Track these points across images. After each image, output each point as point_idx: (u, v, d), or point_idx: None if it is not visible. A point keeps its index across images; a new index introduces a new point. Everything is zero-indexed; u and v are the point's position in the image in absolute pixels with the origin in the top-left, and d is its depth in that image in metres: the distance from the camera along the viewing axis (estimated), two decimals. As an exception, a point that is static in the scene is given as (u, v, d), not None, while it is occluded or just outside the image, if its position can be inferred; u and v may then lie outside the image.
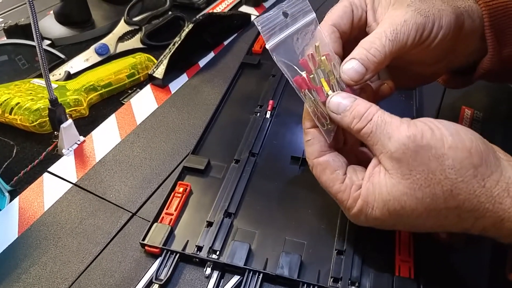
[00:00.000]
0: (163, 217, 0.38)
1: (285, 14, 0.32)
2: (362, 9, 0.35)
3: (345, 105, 0.31)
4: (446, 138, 0.28)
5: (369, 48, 0.31)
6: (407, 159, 0.28)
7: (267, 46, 0.32)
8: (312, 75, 0.32)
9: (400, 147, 0.28)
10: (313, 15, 0.33)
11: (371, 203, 0.30)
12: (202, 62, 0.59)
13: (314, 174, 0.33)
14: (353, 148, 0.36)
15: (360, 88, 0.34)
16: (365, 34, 0.34)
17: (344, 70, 0.32)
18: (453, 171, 0.27)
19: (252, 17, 0.68)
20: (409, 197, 0.28)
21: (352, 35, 0.35)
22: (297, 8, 0.33)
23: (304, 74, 0.32)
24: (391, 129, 0.29)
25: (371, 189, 0.30)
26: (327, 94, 0.32)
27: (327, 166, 0.32)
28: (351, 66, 0.31)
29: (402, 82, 0.39)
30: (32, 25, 0.37)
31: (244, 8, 0.72)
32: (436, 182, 0.27)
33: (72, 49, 0.62)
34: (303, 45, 0.33)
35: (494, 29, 0.36)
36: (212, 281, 0.34)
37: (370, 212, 0.30)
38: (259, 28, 0.31)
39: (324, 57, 0.32)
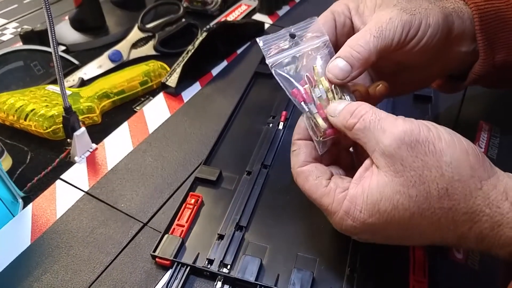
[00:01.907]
0: (174, 228, 0.38)
1: (292, 35, 0.33)
2: (345, 15, 0.35)
3: (340, 106, 0.31)
4: (444, 135, 0.27)
5: (354, 46, 0.32)
6: (401, 154, 0.27)
7: (267, 61, 0.33)
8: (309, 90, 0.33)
9: (395, 141, 0.27)
10: (325, 37, 0.34)
11: (359, 205, 0.28)
12: (215, 71, 0.59)
13: (299, 184, 0.33)
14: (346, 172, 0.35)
15: (354, 90, 0.34)
16: None
17: (329, 68, 0.32)
18: (450, 169, 0.26)
19: (266, 26, 0.68)
20: (402, 196, 0.27)
21: (342, 43, 0.35)
22: (310, 29, 0.34)
23: (301, 88, 0.33)
24: (386, 124, 0.28)
25: (360, 191, 0.29)
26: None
27: (310, 173, 0.32)
28: (336, 64, 0.32)
29: (397, 87, 0.39)
30: (49, 32, 0.37)
31: (258, 16, 0.72)
32: (431, 180, 0.26)
33: (86, 55, 0.63)
34: (310, 65, 0.33)
35: (486, 33, 0.36)
36: (223, 295, 0.34)
37: (358, 215, 0.29)
38: (260, 45, 0.33)
39: (323, 77, 0.33)
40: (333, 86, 0.33)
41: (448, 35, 0.35)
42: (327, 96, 0.32)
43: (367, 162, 0.30)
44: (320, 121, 0.32)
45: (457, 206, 0.26)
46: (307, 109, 0.32)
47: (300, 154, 0.33)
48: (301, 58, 0.33)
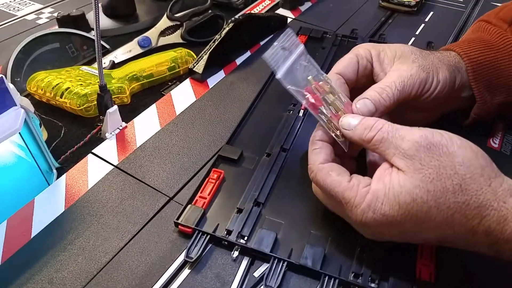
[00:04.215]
0: (197, 199, 0.40)
1: (284, 48, 0.37)
2: (367, 59, 0.40)
3: (355, 122, 0.35)
4: (455, 140, 0.31)
5: (381, 93, 0.37)
6: (419, 155, 0.31)
7: (277, 77, 0.36)
8: (322, 96, 0.36)
9: (414, 144, 0.31)
10: (302, 47, 0.38)
11: (381, 198, 0.31)
12: (239, 60, 0.61)
13: (318, 179, 0.35)
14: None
15: None
16: (372, 81, 0.40)
17: (358, 105, 0.37)
18: (462, 168, 0.30)
19: (289, 20, 0.70)
20: (421, 190, 0.30)
21: (360, 83, 0.41)
22: (290, 42, 0.37)
23: (311, 97, 0.36)
24: (403, 132, 0.32)
25: (381, 186, 0.32)
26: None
27: (333, 169, 0.34)
28: (365, 104, 0.36)
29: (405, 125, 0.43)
30: (94, 21, 0.40)
31: (281, 11, 0.74)
32: (447, 177, 0.30)
33: (117, 40, 0.66)
34: (301, 73, 0.37)
35: (480, 82, 0.42)
36: (242, 267, 0.36)
37: (379, 207, 0.31)
38: (268, 62, 0.36)
39: (321, 83, 0.37)
40: (329, 86, 0.37)
41: (453, 86, 0.41)
42: (333, 100, 0.36)
43: (385, 164, 0.33)
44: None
45: (469, 201, 0.30)
46: (324, 119, 0.36)
47: (322, 152, 0.36)
48: (296, 68, 0.37)
